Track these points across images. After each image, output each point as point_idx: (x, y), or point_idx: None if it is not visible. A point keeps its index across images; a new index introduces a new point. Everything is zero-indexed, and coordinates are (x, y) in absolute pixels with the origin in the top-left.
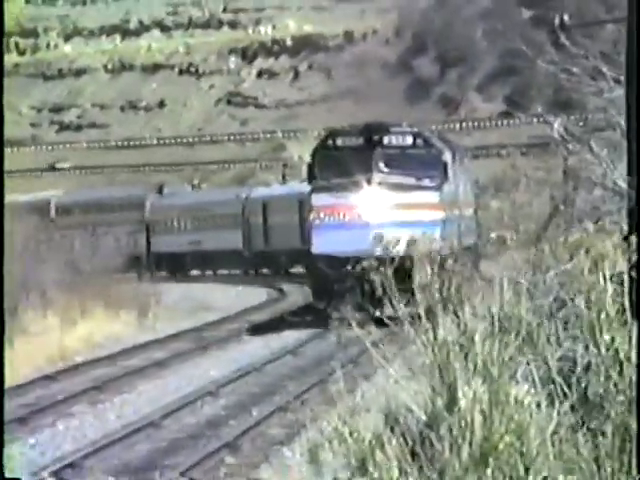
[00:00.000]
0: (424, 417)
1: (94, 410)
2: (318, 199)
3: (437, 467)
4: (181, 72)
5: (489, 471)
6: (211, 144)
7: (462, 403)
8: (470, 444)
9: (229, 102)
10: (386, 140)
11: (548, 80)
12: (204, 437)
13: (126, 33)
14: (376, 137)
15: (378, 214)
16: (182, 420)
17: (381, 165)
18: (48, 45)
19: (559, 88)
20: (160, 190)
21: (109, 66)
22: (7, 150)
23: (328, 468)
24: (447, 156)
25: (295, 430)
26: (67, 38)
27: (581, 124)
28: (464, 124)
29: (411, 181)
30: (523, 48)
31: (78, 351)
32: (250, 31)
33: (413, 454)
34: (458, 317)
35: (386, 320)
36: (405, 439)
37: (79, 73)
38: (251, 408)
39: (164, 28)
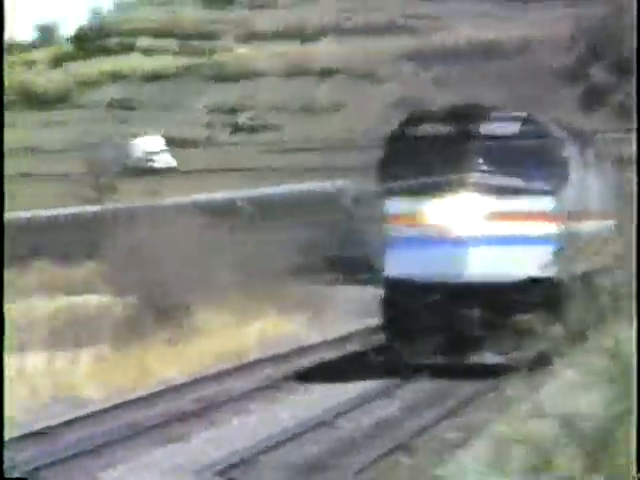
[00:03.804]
0: (602, 423)
1: (266, 408)
2: (393, 206)
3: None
4: (357, 77)
5: None
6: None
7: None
8: None
9: (404, 106)
10: (485, 128)
11: None
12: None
13: (303, 38)
14: (472, 124)
15: (473, 226)
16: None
17: (478, 161)
18: (224, 48)
19: None
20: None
21: (284, 69)
22: (183, 150)
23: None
24: (570, 150)
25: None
26: (243, 41)
27: None
28: None
29: (517, 183)
30: None
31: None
32: (426, 37)
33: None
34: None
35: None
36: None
37: (253, 76)
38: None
39: (340, 32)
